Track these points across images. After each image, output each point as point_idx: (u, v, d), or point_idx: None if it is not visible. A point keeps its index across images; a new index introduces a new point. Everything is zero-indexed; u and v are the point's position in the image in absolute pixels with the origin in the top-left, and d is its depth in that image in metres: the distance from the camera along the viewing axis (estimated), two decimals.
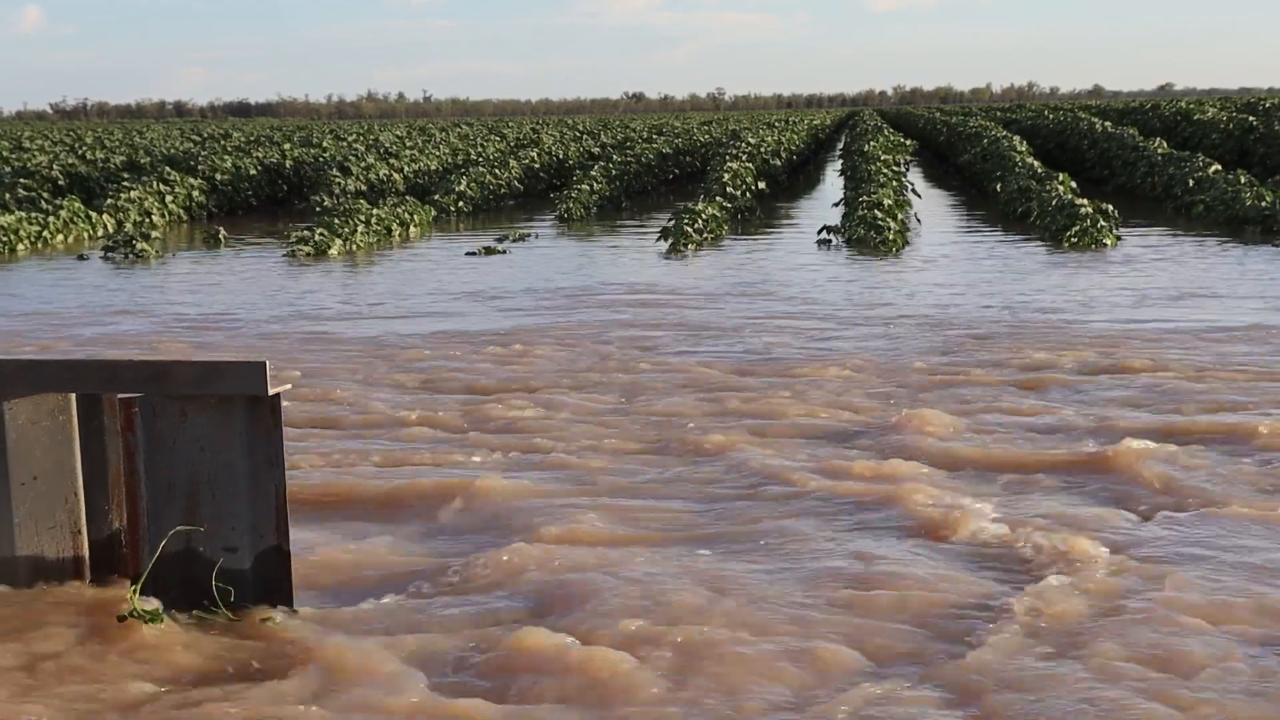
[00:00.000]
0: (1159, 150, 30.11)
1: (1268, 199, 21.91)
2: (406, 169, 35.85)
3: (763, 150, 36.59)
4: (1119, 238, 20.38)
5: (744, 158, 33.19)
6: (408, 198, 28.07)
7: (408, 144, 45.82)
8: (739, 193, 27.70)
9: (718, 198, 25.89)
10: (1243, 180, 23.84)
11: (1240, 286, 15.59)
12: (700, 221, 22.25)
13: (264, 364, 5.69)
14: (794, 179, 39.07)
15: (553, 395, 10.25)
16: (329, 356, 12.24)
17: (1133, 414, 9.25)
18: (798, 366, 11.28)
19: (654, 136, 48.27)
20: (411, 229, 25.14)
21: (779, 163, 37.31)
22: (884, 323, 13.63)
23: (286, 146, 41.23)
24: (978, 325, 13.33)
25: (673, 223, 22.06)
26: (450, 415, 9.71)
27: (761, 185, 30.19)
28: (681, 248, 20.75)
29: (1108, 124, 38.25)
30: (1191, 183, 25.40)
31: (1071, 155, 36.03)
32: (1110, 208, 21.81)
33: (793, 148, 43.84)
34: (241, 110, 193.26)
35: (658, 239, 21.52)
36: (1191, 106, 46.64)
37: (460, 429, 9.33)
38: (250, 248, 23.21)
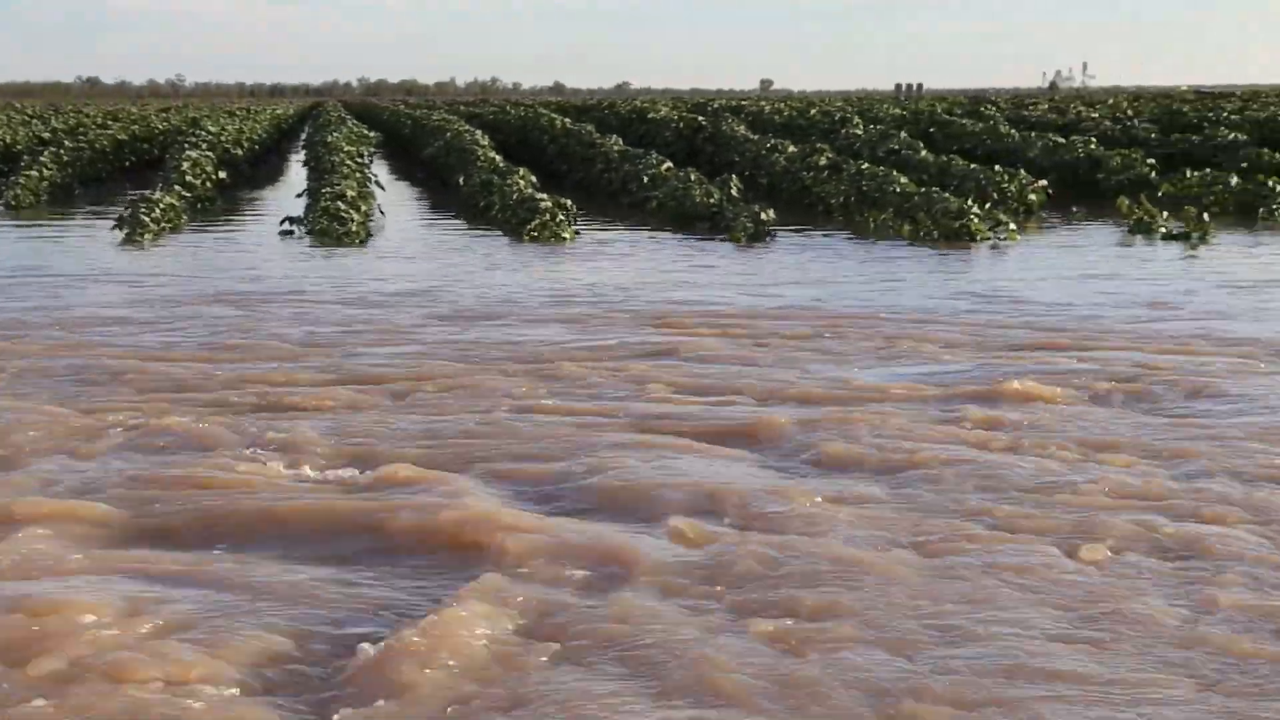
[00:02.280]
0: (615, 147, 31.03)
1: (715, 196, 22.94)
2: None
3: (224, 139, 35.85)
4: (578, 232, 20.96)
5: (204, 146, 32.40)
6: None
7: None
8: (199, 182, 27.02)
9: (176, 186, 25.16)
10: (693, 178, 24.83)
11: (701, 276, 16.33)
12: (158, 210, 21.58)
13: None
14: (257, 169, 38.38)
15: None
16: None
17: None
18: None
19: (109, 123, 46.46)
20: None
21: (241, 152, 36.61)
22: (362, 302, 13.89)
23: None
24: (464, 309, 13.68)
25: (129, 211, 21.32)
26: None
27: (223, 175, 29.55)
28: (138, 237, 20.10)
29: (567, 120, 39.24)
30: (646, 179, 26.29)
31: (533, 151, 36.74)
32: (569, 202, 22.37)
33: (255, 137, 43.14)
34: None
35: (113, 227, 20.77)
36: (646, 105, 48.45)
37: None
38: None
